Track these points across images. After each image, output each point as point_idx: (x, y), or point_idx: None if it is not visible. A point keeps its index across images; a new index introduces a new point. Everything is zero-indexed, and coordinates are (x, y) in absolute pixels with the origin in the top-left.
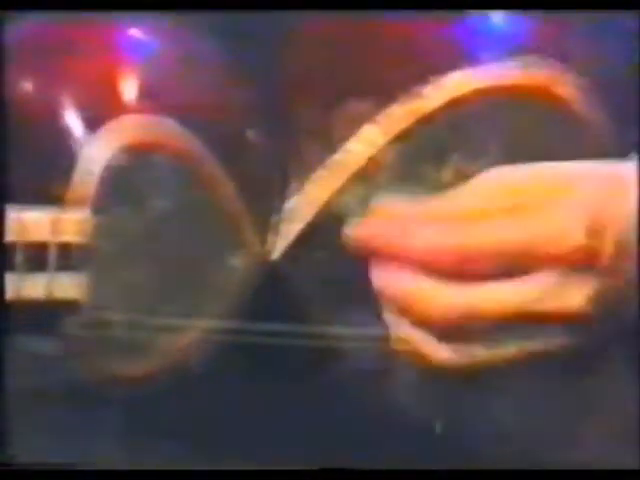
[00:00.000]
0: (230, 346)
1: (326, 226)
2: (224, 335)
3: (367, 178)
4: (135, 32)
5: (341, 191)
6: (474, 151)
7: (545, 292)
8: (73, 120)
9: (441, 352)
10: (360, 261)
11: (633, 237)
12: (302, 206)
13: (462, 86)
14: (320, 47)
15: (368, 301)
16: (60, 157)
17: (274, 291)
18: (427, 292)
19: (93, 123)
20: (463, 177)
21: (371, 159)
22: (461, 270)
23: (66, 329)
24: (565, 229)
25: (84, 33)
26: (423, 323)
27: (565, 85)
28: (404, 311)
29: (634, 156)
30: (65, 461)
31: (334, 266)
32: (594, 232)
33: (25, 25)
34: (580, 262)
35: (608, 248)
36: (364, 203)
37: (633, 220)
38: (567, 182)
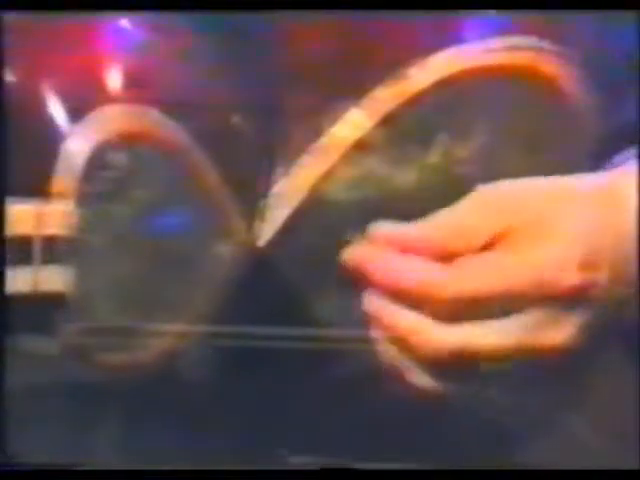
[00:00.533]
0: (219, 344)
1: (313, 211)
2: (211, 336)
3: (354, 162)
4: (120, 21)
5: (328, 176)
6: (461, 131)
7: (537, 328)
8: (56, 111)
9: (423, 380)
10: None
11: (631, 254)
12: (289, 192)
13: (448, 67)
14: (305, 35)
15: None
16: (44, 149)
17: (262, 277)
18: (417, 328)
19: (76, 114)
20: (451, 158)
21: (357, 143)
22: (453, 308)
23: (56, 332)
24: (558, 267)
25: (68, 24)
26: (409, 354)
27: (551, 64)
28: (392, 339)
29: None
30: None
31: (321, 251)
32: (588, 265)
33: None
34: (574, 296)
35: (603, 277)
36: (351, 187)
37: (631, 234)
38: (558, 208)
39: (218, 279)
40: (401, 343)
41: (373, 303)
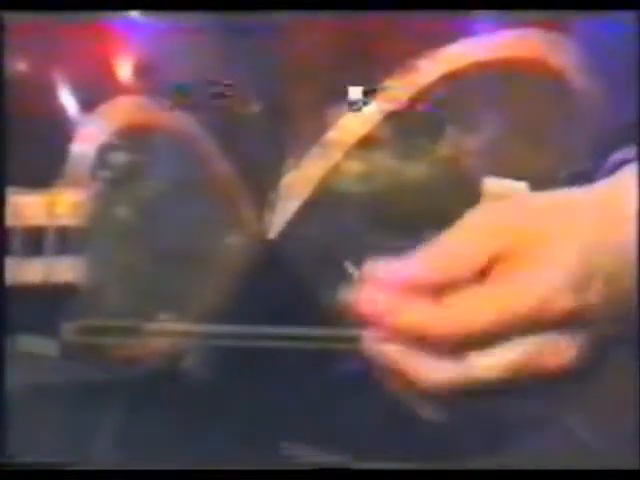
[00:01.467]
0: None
1: (323, 203)
2: (216, 336)
3: (363, 154)
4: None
5: (337, 168)
6: (471, 124)
7: (537, 354)
8: (68, 102)
9: (427, 413)
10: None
11: (629, 268)
12: (299, 183)
13: (458, 59)
14: (314, 29)
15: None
16: (56, 140)
17: (271, 268)
18: (417, 365)
19: (88, 105)
20: (460, 150)
21: (367, 135)
22: (452, 344)
23: (62, 334)
24: (552, 291)
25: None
26: (412, 389)
27: (560, 57)
28: (395, 376)
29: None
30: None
31: (331, 243)
32: (583, 286)
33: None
34: (570, 318)
35: (599, 297)
36: (361, 179)
37: (629, 247)
38: (550, 227)
39: (228, 269)
40: (403, 381)
41: (372, 343)
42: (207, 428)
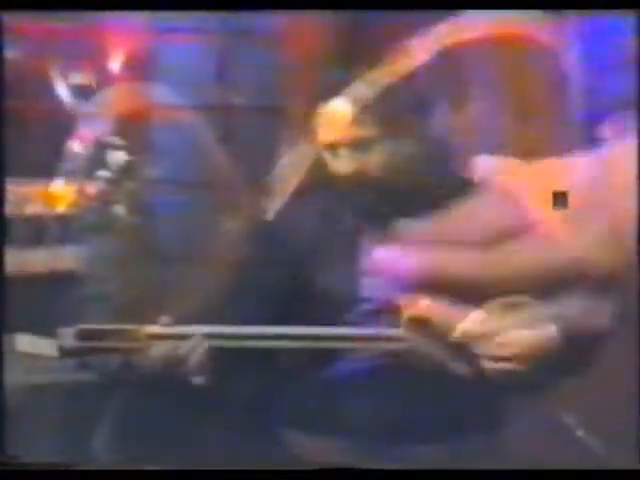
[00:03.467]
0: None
1: (318, 184)
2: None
3: (356, 135)
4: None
5: (331, 148)
6: (461, 100)
7: (574, 316)
8: (64, 92)
9: (451, 364)
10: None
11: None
12: (294, 165)
13: (447, 37)
14: (303, 18)
15: (359, 259)
16: (53, 129)
17: (270, 250)
18: (448, 315)
19: (85, 94)
20: (450, 127)
21: (359, 115)
22: (488, 294)
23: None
24: (587, 251)
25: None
26: (440, 340)
27: (549, 34)
28: (422, 328)
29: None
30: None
31: (327, 223)
32: (615, 247)
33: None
34: (603, 281)
35: (627, 259)
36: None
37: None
38: (582, 193)
39: (228, 252)
40: (432, 331)
41: (402, 298)
42: (206, 428)
